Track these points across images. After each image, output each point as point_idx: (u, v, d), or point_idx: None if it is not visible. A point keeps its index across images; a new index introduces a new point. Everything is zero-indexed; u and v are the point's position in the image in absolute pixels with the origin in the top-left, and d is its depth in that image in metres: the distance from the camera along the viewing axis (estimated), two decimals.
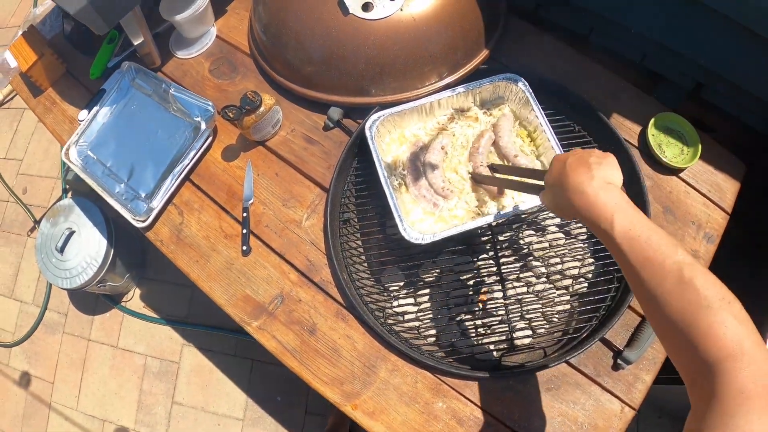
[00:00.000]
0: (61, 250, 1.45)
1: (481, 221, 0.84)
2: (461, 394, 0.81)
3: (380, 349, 0.85)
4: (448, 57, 0.95)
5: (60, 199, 1.94)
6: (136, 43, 1.04)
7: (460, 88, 0.94)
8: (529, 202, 0.86)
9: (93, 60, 1.11)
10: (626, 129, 0.95)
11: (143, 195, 0.99)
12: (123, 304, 1.75)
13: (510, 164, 0.91)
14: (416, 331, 0.91)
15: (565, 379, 0.80)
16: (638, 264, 0.48)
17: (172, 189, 0.96)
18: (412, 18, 0.89)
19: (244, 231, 0.92)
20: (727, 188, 0.90)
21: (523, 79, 0.93)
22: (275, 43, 1.00)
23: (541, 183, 0.67)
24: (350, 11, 0.88)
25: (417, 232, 0.83)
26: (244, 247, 0.91)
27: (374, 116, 0.92)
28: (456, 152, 0.95)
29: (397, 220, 0.83)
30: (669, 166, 0.90)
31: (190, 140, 1.00)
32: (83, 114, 1.08)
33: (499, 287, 0.90)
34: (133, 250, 1.68)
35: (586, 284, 0.91)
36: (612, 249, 0.52)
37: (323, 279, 0.89)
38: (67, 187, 1.95)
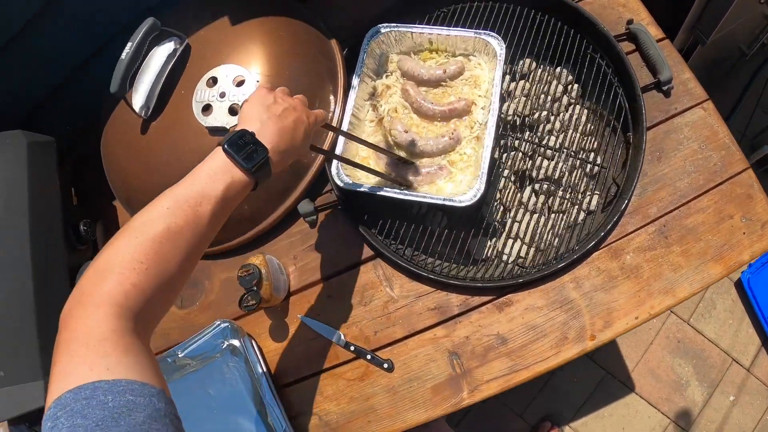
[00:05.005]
0: None
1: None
2: None
3: (556, 288, 0.83)
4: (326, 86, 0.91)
5: None
6: None
7: (355, 82, 0.91)
8: None
9: None
10: None
11: None
12: None
13: (446, 83, 0.92)
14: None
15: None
16: None
17: (281, 407, 0.84)
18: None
19: (369, 357, 0.84)
20: None
21: (382, 24, 0.92)
22: None
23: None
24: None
25: (467, 196, 0.81)
26: (385, 366, 0.83)
27: (334, 170, 0.87)
28: (410, 121, 0.92)
29: (448, 203, 0.81)
30: None
31: (242, 362, 0.88)
32: None
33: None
34: None
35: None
36: None
37: (461, 303, 0.84)
38: None
